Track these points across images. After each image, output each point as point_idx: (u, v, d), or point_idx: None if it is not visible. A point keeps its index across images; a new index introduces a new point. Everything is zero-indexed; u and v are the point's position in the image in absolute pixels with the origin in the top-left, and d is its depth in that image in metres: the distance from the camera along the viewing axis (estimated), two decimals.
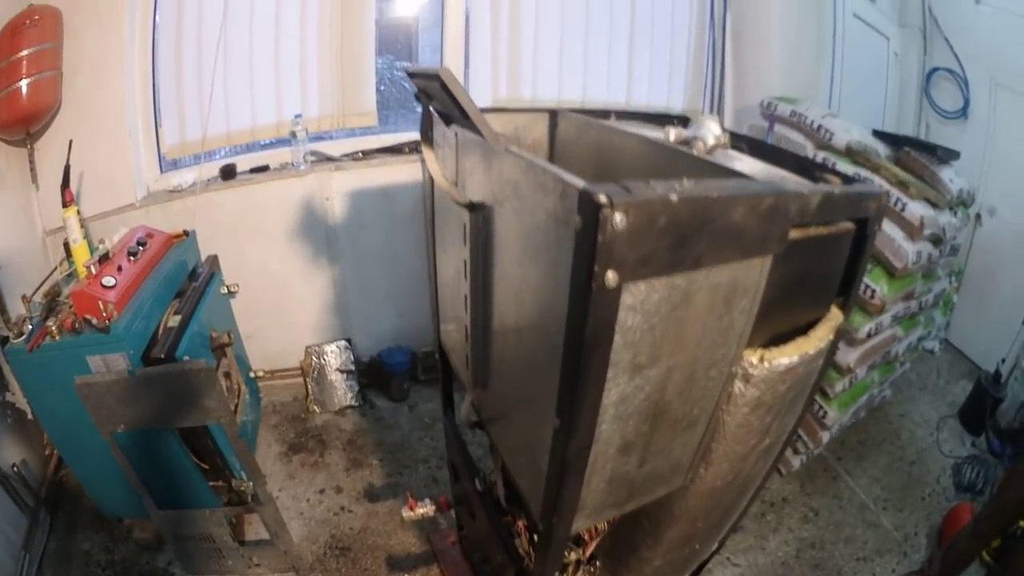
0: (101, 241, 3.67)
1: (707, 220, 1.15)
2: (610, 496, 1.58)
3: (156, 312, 3.42)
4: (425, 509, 3.07)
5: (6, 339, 3.87)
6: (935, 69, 5.40)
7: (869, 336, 3.68)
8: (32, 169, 4.31)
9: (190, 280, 3.74)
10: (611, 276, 1.09)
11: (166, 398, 3.09)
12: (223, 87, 3.96)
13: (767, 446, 1.76)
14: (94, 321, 3.23)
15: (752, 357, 1.47)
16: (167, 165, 4.34)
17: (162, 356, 3.22)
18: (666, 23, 3.90)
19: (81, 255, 3.59)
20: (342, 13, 3.76)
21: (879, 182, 3.65)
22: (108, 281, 3.35)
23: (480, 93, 3.73)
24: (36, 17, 3.95)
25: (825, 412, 3.83)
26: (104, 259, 3.45)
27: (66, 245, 3.80)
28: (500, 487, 2.69)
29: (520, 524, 2.51)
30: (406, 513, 3.03)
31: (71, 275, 3.76)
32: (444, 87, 1.68)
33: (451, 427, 3.02)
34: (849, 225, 1.54)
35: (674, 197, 1.09)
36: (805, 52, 4.38)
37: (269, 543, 3.56)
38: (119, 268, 3.41)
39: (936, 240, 3.67)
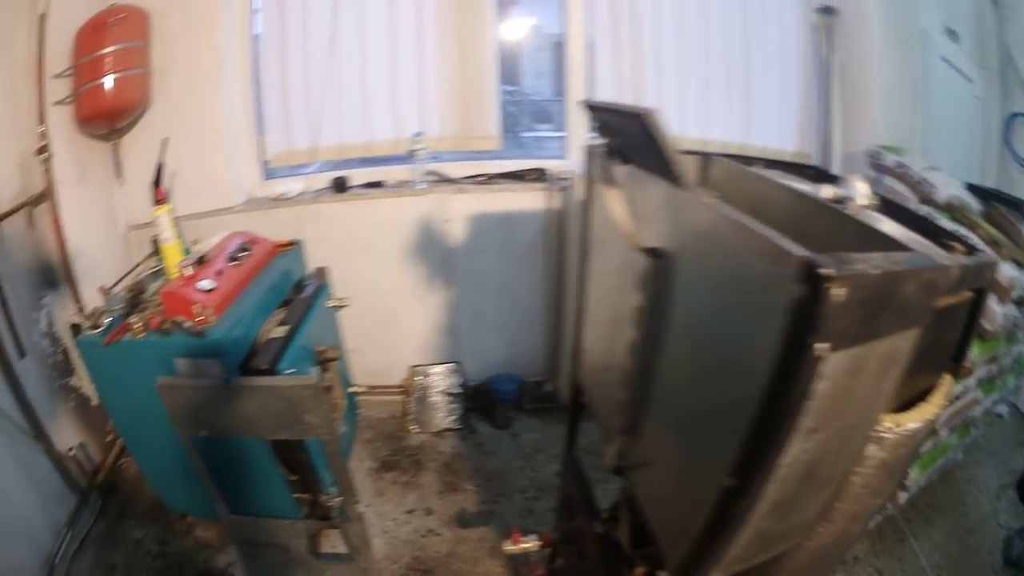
0: (195, 242, 2.90)
1: (892, 293, 0.97)
2: (744, 551, 1.32)
3: (257, 321, 2.65)
4: (529, 544, 2.43)
5: (77, 327, 3.10)
6: (1015, 115, 4.22)
7: (956, 399, 2.99)
8: (117, 164, 3.52)
9: (295, 291, 2.94)
10: (822, 347, 0.88)
11: (264, 410, 2.36)
12: (335, 100, 3.05)
13: (876, 506, 1.54)
14: (186, 324, 2.45)
15: (888, 422, 1.26)
16: (271, 173, 3.33)
17: (265, 367, 2.43)
18: (777, 64, 3.08)
19: (172, 254, 2.75)
20: (458, 33, 2.87)
21: (975, 240, 2.94)
22: (206, 284, 2.55)
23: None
24: (121, 15, 3.23)
25: (907, 473, 3.11)
26: (201, 262, 2.66)
27: (154, 242, 2.94)
28: (625, 532, 2.06)
29: (639, 571, 1.95)
30: (508, 547, 2.39)
31: (157, 273, 2.93)
32: (645, 128, 1.30)
33: (573, 464, 2.38)
34: (969, 294, 1.31)
35: (877, 271, 0.90)
36: (903, 98, 3.51)
37: (346, 557, 2.80)
38: (219, 272, 2.63)
39: (1020, 302, 3.06)
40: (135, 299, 2.74)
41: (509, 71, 3.51)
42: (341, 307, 2.84)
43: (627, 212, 1.63)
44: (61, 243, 3.14)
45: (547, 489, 3.00)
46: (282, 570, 2.86)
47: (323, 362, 2.65)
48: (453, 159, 3.19)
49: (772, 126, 3.21)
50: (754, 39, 3.03)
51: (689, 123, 2.91)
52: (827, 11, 3.15)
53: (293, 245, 2.93)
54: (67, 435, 3.39)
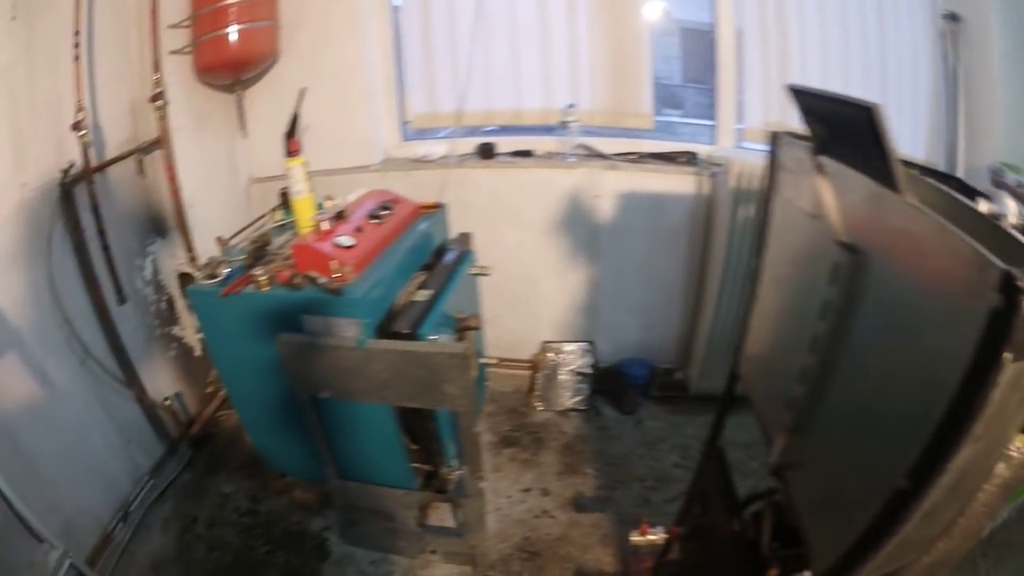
0: (328, 198, 2.41)
1: None
2: (884, 560, 1.05)
3: (397, 283, 2.16)
4: (656, 536, 2.01)
5: (188, 276, 2.74)
6: None
7: None
8: (241, 116, 2.99)
9: (436, 255, 2.44)
10: (1009, 356, 0.77)
11: (400, 375, 1.90)
12: (483, 65, 2.52)
13: (985, 528, 1.17)
14: (321, 280, 1.97)
15: (1019, 441, 0.99)
16: (410, 134, 2.75)
17: (406, 331, 1.95)
18: (909, 70, 2.60)
19: (303, 208, 2.27)
20: (611, 7, 2.35)
21: None
22: (345, 241, 2.06)
23: (752, 113, 2.37)
24: None
25: None
26: (339, 217, 2.16)
27: (283, 195, 2.47)
28: (766, 531, 1.63)
29: (773, 572, 1.55)
30: (635, 537, 1.99)
31: (284, 227, 2.45)
32: (872, 123, 0.98)
33: (717, 458, 1.93)
34: None
35: None
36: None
37: (453, 531, 2.36)
38: (358, 229, 2.15)
39: None
40: (259, 251, 2.28)
41: None
42: (483, 275, 2.29)
43: (836, 203, 1.30)
44: (175, 191, 2.62)
45: (665, 480, 2.56)
46: (383, 539, 2.39)
47: (462, 330, 2.13)
48: (603, 135, 2.65)
49: (904, 132, 2.75)
50: (889, 42, 2.58)
51: None
52: (952, 18, 2.68)
53: (437, 208, 2.42)
54: (163, 384, 2.92)
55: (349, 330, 1.95)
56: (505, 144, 2.73)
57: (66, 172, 2.30)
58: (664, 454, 2.61)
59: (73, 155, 2.33)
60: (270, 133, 2.86)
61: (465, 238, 2.41)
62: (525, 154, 2.67)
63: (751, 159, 2.25)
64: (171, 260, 2.83)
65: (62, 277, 2.37)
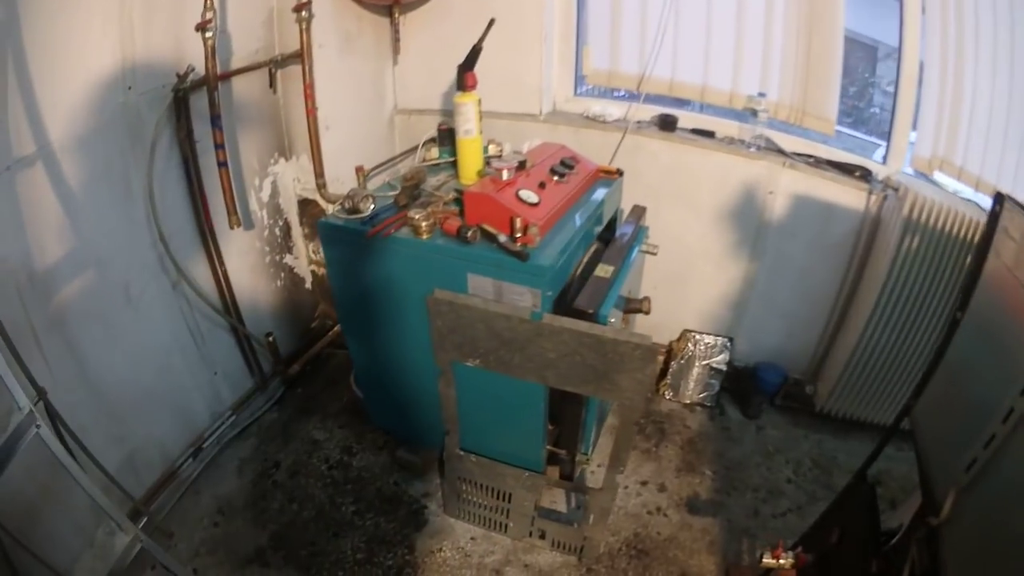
0: (493, 142, 2.23)
1: None
2: None
3: (577, 254, 1.95)
4: (786, 561, 1.80)
5: (309, 202, 2.58)
6: None
7: None
8: (395, 41, 2.72)
9: (609, 227, 2.25)
10: None
11: (571, 358, 1.69)
12: (673, 32, 2.27)
13: None
14: (502, 237, 1.76)
15: None
16: (583, 89, 2.56)
17: (589, 311, 1.74)
18: None
19: (471, 150, 2.07)
20: (810, 6, 2.12)
21: None
22: (530, 197, 1.86)
23: (924, 145, 2.20)
24: None
25: None
26: (522, 167, 1.95)
27: (441, 131, 2.29)
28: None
29: None
30: (767, 559, 1.80)
31: (439, 167, 2.26)
32: None
33: (867, 492, 1.78)
34: None
35: None
36: None
37: (564, 518, 2.23)
38: (541, 185, 1.94)
39: None
40: (413, 191, 2.04)
41: None
42: (650, 254, 2.11)
43: None
44: (311, 111, 2.39)
45: (776, 494, 2.43)
46: (490, 516, 2.24)
47: (630, 312, 1.94)
48: (785, 130, 2.46)
49: None
50: None
51: (1006, 170, 2.24)
52: None
53: (616, 174, 2.19)
54: (264, 316, 2.73)
55: (525, 299, 1.76)
56: (685, 120, 2.52)
57: (183, 77, 2.07)
58: (779, 467, 2.49)
59: (192, 59, 2.07)
60: (425, 63, 2.76)
61: (639, 211, 2.20)
62: (707, 134, 2.47)
63: (927, 192, 2.15)
64: (294, 184, 2.61)
65: (164, 190, 2.17)
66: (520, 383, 1.84)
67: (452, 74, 2.03)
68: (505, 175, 1.84)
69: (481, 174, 2.08)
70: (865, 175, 2.29)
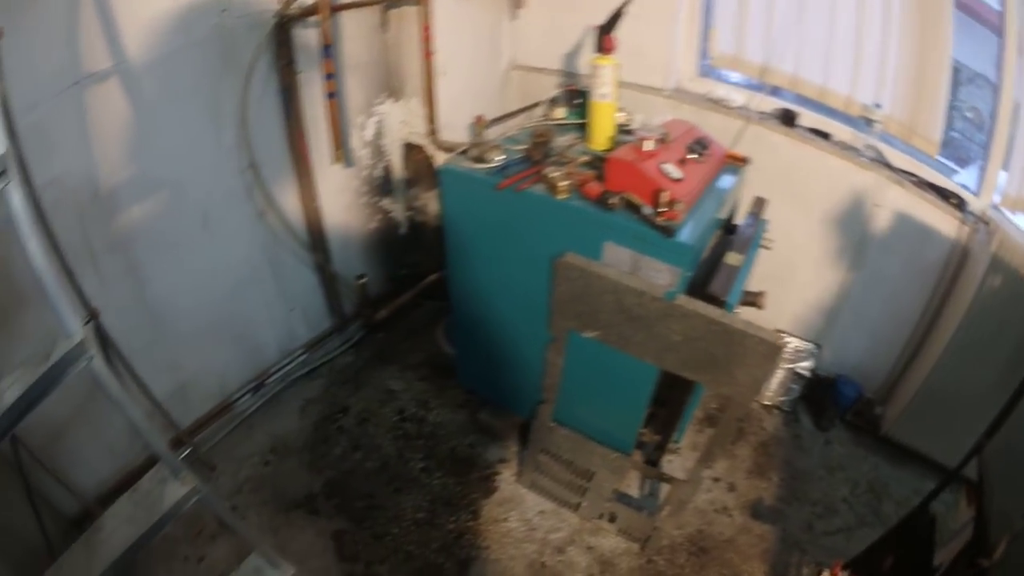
0: (622, 111, 2.10)
1: None
2: None
3: (708, 236, 1.89)
4: None
5: (415, 147, 2.47)
6: None
7: None
8: None
9: (731, 216, 2.19)
10: None
11: (696, 344, 1.65)
12: (797, 27, 2.37)
13: None
14: (646, 209, 1.69)
15: None
16: (706, 70, 2.51)
17: (722, 298, 1.69)
18: None
19: (604, 114, 2.00)
20: (922, 24, 2.07)
21: None
22: (673, 172, 1.78)
23: (1014, 183, 2.19)
24: None
25: None
26: (663, 141, 1.85)
27: (570, 92, 2.21)
28: None
29: None
30: None
31: (565, 127, 2.17)
32: None
33: (927, 525, 1.74)
34: None
35: None
36: None
37: (635, 503, 2.16)
38: (682, 161, 1.86)
39: None
40: (542, 148, 1.94)
41: None
42: (765, 248, 2.05)
43: None
44: (428, 54, 2.31)
45: (831, 511, 2.40)
46: (565, 492, 2.19)
47: (747, 304, 1.90)
48: (893, 144, 2.41)
49: None
50: None
51: None
52: None
53: (744, 162, 2.14)
54: (353, 258, 2.65)
55: (662, 276, 1.70)
56: (807, 118, 2.46)
57: (288, 3, 1.99)
58: (839, 484, 2.46)
59: None
60: (547, 20, 2.67)
61: (761, 204, 2.13)
62: (823, 135, 2.41)
63: (1015, 233, 2.11)
64: (400, 127, 2.51)
65: (258, 118, 2.10)
66: (633, 362, 1.80)
67: (575, 35, 1.96)
68: (649, 146, 1.77)
69: (614, 140, 2.02)
70: (960, 204, 2.26)
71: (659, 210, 1.68)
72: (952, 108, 2.79)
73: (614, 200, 1.72)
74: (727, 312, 1.65)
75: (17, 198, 0.98)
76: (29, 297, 1.58)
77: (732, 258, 1.80)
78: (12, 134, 0.99)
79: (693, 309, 1.65)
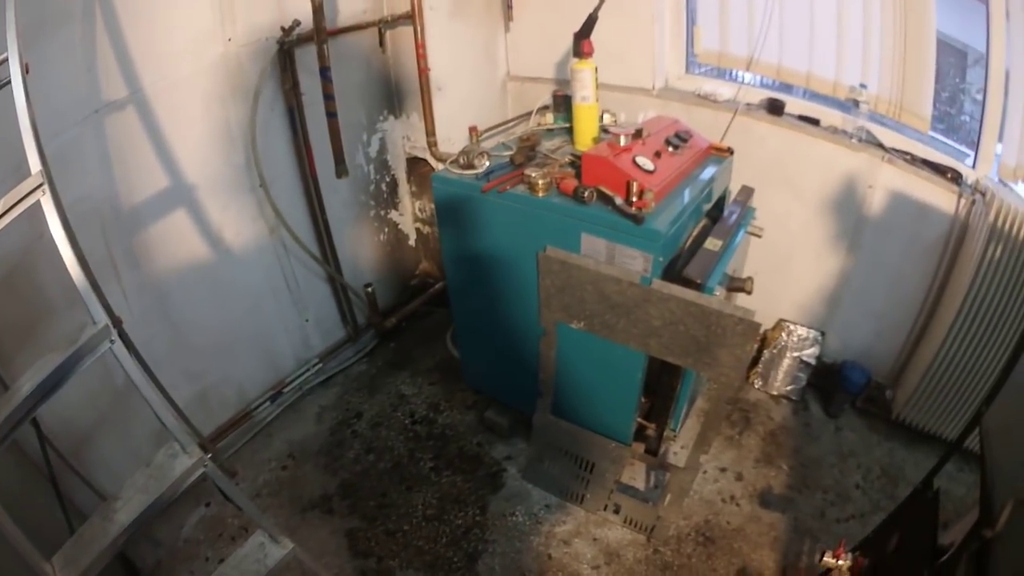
0: (608, 112, 2.30)
1: None
2: None
3: (688, 225, 2.00)
4: (845, 563, 1.80)
5: (418, 160, 2.71)
6: None
7: None
8: (507, 8, 2.82)
9: (717, 204, 2.27)
10: None
11: (675, 327, 1.76)
12: (778, 16, 2.46)
13: None
14: (618, 200, 1.81)
15: None
16: (694, 67, 2.71)
17: (697, 280, 1.78)
18: None
19: (586, 116, 2.13)
20: (905, 7, 2.22)
21: None
22: (646, 163, 1.90)
23: (1010, 153, 2.26)
24: None
25: None
26: (638, 136, 1.98)
27: (556, 97, 2.37)
28: None
29: None
30: (827, 559, 1.79)
31: (554, 132, 2.34)
32: None
33: (931, 500, 1.74)
34: None
35: None
36: None
37: (639, 494, 2.27)
38: (656, 154, 1.97)
39: None
40: (528, 151, 2.13)
41: None
42: (755, 236, 2.14)
43: None
44: (423, 70, 2.50)
45: (843, 498, 2.40)
46: (568, 485, 2.30)
47: (733, 290, 1.99)
48: (883, 124, 2.46)
49: None
50: None
51: None
52: None
53: (727, 153, 2.24)
54: (364, 269, 2.83)
55: (637, 263, 1.81)
56: (791, 105, 2.54)
57: (288, 30, 2.20)
58: (850, 471, 2.46)
59: (295, 14, 2.20)
60: (538, 31, 2.81)
61: (747, 192, 2.22)
62: (812, 121, 2.48)
63: (1012, 200, 2.10)
64: (403, 142, 2.73)
65: (267, 138, 2.30)
66: (621, 350, 1.89)
67: (566, 43, 2.10)
68: (623, 141, 1.88)
69: (597, 140, 2.14)
70: (956, 177, 2.27)
71: (631, 200, 1.80)
72: (961, 91, 2.84)
73: (588, 193, 1.85)
74: (703, 294, 1.76)
75: (51, 208, 1.15)
76: (55, 307, 1.77)
77: (711, 243, 1.88)
78: (42, 155, 1.19)
79: (669, 292, 1.74)
